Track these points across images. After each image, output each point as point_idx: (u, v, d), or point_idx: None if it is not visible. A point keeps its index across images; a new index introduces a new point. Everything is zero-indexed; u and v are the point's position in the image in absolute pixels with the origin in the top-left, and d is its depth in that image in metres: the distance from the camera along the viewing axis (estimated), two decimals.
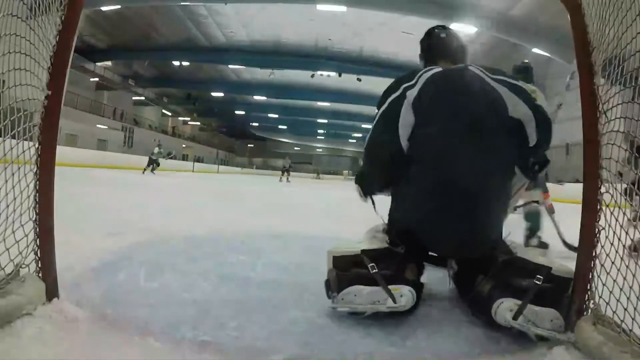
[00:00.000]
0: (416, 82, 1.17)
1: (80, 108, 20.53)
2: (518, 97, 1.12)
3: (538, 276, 0.97)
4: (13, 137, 0.85)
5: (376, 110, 1.22)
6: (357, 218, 2.96)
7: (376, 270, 1.02)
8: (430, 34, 1.37)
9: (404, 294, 0.99)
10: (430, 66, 1.24)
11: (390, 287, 0.99)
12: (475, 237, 1.10)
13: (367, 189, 1.31)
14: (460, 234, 1.09)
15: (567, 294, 0.94)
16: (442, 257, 1.23)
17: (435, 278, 1.56)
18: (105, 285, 1.18)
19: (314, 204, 6.17)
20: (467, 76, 1.17)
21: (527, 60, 2.79)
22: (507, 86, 1.14)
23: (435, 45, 1.34)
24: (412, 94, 1.14)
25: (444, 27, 1.38)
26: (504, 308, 0.93)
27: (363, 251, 1.08)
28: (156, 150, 13.83)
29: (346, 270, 1.06)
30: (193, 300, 1.11)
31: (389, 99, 1.18)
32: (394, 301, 0.97)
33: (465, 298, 1.16)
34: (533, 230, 2.41)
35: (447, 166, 1.08)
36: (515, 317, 0.91)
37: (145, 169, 13.51)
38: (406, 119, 1.13)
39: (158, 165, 13.75)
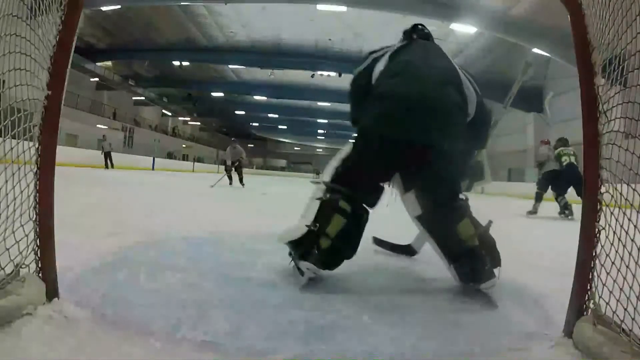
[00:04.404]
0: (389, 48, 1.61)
1: (80, 108, 20.50)
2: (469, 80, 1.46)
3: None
4: (13, 137, 0.85)
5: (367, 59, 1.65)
6: None
7: None
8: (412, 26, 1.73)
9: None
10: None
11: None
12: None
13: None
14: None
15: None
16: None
17: (435, 277, 1.56)
18: (105, 285, 1.18)
19: None
20: (431, 48, 1.58)
21: None
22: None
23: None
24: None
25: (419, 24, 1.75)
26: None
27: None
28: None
29: None
30: (193, 300, 1.11)
31: (372, 56, 1.65)
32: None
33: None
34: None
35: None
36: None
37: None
38: (378, 67, 1.53)
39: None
